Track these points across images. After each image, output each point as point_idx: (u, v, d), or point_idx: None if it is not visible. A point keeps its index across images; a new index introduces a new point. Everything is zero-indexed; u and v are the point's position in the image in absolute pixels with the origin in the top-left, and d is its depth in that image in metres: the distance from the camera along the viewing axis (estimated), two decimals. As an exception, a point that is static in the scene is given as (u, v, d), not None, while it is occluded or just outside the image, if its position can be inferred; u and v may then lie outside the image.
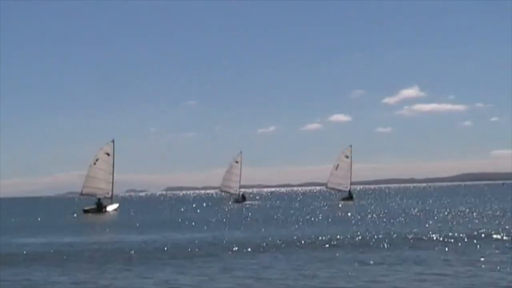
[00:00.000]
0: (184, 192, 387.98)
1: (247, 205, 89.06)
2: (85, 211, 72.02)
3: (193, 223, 49.17)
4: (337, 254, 25.96)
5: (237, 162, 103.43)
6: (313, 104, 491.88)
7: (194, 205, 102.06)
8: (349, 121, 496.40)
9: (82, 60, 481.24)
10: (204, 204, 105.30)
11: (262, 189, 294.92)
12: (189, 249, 29.14)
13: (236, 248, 28.84)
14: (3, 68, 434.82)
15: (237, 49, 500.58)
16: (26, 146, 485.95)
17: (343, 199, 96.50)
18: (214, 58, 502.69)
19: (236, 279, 20.61)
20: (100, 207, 72.46)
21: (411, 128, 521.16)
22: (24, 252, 29.72)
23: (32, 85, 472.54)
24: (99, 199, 73.40)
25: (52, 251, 30.07)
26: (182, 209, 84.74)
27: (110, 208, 74.89)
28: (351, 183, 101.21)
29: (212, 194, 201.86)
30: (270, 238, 32.95)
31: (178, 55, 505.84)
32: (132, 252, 28.60)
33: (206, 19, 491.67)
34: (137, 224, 49.41)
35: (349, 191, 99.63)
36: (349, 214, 56.61)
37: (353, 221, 45.98)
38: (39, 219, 67.51)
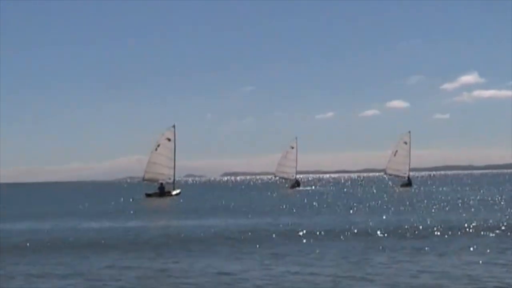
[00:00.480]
0: (240, 177, 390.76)
1: (304, 191, 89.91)
2: (148, 195, 73.76)
3: (249, 208, 49.87)
4: (391, 242, 25.95)
5: (292, 147, 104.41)
6: (370, 90, 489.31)
7: (250, 190, 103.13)
8: (407, 107, 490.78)
9: (146, 49, 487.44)
10: (260, 190, 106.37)
11: (319, 175, 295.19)
12: (242, 234, 29.69)
13: (289, 234, 29.15)
14: (69, 55, 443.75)
15: (294, 35, 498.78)
16: (86, 131, 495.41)
17: (402, 185, 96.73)
18: (272, 45, 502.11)
19: (286, 266, 20.92)
20: (162, 192, 74.11)
21: (470, 114, 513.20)
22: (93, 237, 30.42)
23: (96, 72, 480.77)
24: (161, 184, 75.10)
25: (120, 235, 30.92)
26: (239, 194, 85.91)
27: (173, 192, 76.49)
28: (410, 170, 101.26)
29: (268, 180, 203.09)
30: (323, 225, 33.07)
31: (236, 41, 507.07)
32: (192, 236, 29.24)
33: (264, 6, 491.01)
34: (197, 209, 50.53)
35: (408, 177, 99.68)
36: (407, 201, 56.43)
37: (410, 208, 45.97)
38: (112, 203, 69.83)
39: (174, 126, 78.91)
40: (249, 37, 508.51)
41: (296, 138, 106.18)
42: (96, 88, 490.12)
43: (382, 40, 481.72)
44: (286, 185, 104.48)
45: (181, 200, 67.89)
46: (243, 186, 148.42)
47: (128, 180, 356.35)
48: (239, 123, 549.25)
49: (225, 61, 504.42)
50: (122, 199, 75.94)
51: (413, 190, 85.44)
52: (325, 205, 52.92)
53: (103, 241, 28.63)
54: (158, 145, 77.21)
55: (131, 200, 71.39)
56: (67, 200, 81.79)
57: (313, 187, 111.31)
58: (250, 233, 30.22)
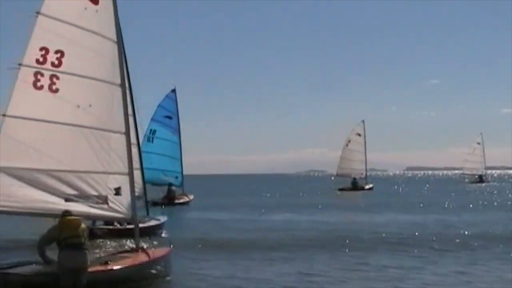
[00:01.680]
0: (423, 172, 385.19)
1: (489, 187, 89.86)
2: (340, 190, 77.43)
3: (432, 205, 50.25)
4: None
5: (478, 143, 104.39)
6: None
7: (435, 185, 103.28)
8: None
9: (348, 49, 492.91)
10: (444, 185, 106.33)
11: (507, 171, 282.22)
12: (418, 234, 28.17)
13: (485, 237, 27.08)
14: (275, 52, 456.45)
15: (481, 32, 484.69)
16: (266, 124, 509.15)
17: None
18: (456, 38, 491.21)
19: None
20: (355, 186, 77.51)
21: None
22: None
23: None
24: (354, 178, 78.59)
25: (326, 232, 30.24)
26: (425, 190, 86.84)
27: (366, 187, 79.64)
28: None
29: (452, 175, 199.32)
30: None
31: (420, 36, 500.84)
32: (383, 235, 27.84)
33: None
34: (386, 204, 51.31)
35: None
36: None
37: None
38: (302, 194, 73.80)
39: (363, 121, 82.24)
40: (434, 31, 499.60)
41: (481, 133, 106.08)
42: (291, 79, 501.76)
43: None
44: (466, 180, 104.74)
45: (373, 195, 69.77)
46: (426, 181, 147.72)
47: (311, 174, 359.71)
48: (423, 116, 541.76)
49: (410, 54, 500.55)
50: (317, 192, 79.15)
51: None
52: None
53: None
54: (349, 141, 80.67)
55: (327, 192, 74.14)
56: (256, 192, 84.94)
57: (498, 183, 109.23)
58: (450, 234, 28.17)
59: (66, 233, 14.18)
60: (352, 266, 19.49)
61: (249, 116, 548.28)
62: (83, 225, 14.54)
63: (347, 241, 25.21)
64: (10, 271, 14.04)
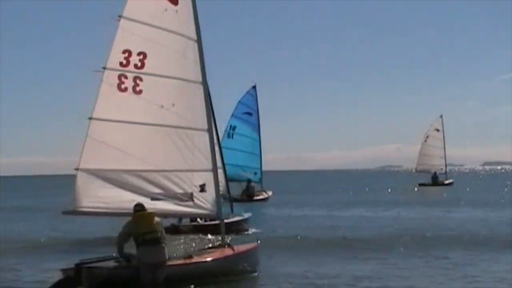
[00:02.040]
0: (502, 167, 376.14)
1: None
2: (421, 185, 76.50)
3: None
4: None
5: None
6: None
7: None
8: None
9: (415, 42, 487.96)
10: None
11: None
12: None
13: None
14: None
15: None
16: (342, 121, 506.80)
17: None
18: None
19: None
20: (436, 182, 76.53)
21: None
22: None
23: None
24: (435, 173, 77.73)
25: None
26: (505, 185, 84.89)
27: (446, 182, 78.52)
28: None
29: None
30: None
31: (493, 30, 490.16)
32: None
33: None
34: (468, 200, 50.00)
35: None
36: None
37: None
38: (383, 190, 73.08)
39: (441, 116, 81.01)
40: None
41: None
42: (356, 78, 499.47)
43: None
44: None
45: (454, 190, 68.48)
46: (507, 176, 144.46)
47: (387, 169, 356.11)
48: (499, 111, 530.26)
49: (485, 48, 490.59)
50: (397, 188, 78.29)
51: None
52: None
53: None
54: (427, 136, 79.66)
55: (407, 189, 73.31)
56: (335, 188, 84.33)
57: None
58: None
59: (143, 229, 14.47)
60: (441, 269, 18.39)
61: (325, 113, 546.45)
62: (157, 219, 14.81)
63: (438, 240, 24.62)
64: (95, 265, 14.41)
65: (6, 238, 26.22)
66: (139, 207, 14.96)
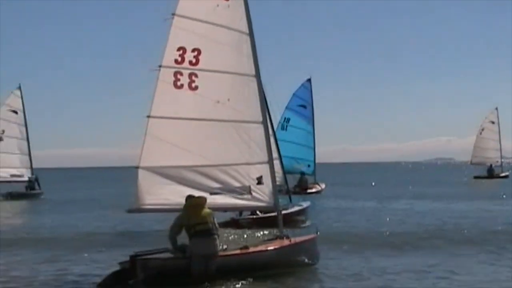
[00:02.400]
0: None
1: None
2: (476, 178, 75.74)
3: None
4: None
5: None
6: None
7: None
8: None
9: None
10: None
11: None
12: None
13: None
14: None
15: None
16: (397, 110, 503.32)
17: None
18: None
19: None
20: (491, 174, 75.78)
21: None
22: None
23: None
24: (491, 165, 76.96)
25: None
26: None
27: (502, 174, 77.61)
28: None
29: None
30: None
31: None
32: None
33: None
34: None
35: None
36: None
37: None
38: (437, 182, 71.90)
39: (496, 109, 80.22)
40: None
41: None
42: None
43: None
44: None
45: (509, 183, 66.67)
46: None
47: (439, 162, 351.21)
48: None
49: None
50: (452, 180, 77.40)
51: None
52: None
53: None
54: (483, 129, 78.96)
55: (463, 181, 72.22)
56: (389, 181, 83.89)
57: None
58: None
59: (194, 220, 14.75)
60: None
61: (376, 106, 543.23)
62: (208, 210, 15.04)
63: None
64: (149, 257, 14.72)
65: (63, 230, 26.92)
66: (189, 198, 15.29)
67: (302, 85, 51.61)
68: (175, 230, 15.02)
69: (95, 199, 50.18)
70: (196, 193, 15.77)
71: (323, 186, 52.00)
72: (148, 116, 16.05)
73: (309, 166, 50.73)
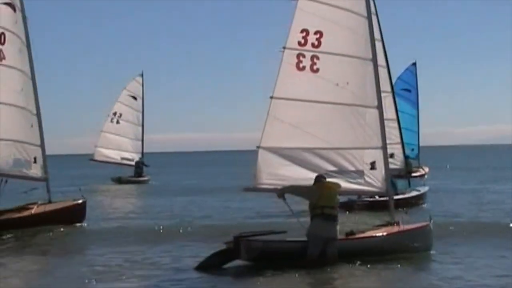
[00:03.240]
0: None
1: None
2: None
3: None
4: None
5: None
6: None
7: None
8: None
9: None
10: None
11: None
12: None
13: None
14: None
15: None
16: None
17: None
18: None
19: None
20: None
21: None
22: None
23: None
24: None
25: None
26: None
27: None
28: None
29: None
30: None
31: None
32: None
33: None
34: None
35: None
36: None
37: None
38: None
39: None
40: None
41: None
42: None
43: None
44: None
45: None
46: None
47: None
48: None
49: None
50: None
51: None
52: None
53: None
54: None
55: None
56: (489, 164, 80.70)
57: None
58: None
59: (324, 202, 14.96)
60: None
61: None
62: (338, 196, 15.25)
63: None
64: (253, 238, 15.07)
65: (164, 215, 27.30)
66: (323, 177, 15.57)
67: (407, 69, 51.19)
68: (311, 208, 15.21)
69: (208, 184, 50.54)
70: (312, 175, 15.96)
71: (426, 169, 51.47)
72: (271, 97, 16.33)
73: (413, 150, 50.26)
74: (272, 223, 20.81)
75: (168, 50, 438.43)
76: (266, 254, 14.69)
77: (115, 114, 52.80)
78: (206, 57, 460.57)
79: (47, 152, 24.19)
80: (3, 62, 23.04)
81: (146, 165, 53.29)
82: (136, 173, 52.44)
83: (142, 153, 53.81)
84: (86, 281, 14.20)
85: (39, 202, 23.13)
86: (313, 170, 16.29)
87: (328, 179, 16.01)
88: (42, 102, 24.02)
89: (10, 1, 23.41)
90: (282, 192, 15.61)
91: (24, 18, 23.75)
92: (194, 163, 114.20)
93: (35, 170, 23.63)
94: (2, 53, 23.01)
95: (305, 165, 16.42)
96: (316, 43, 16.40)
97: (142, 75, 55.03)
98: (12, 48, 23.27)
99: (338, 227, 15.13)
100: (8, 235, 20.89)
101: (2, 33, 23.03)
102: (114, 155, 52.51)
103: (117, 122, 52.68)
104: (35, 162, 23.58)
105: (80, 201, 23.84)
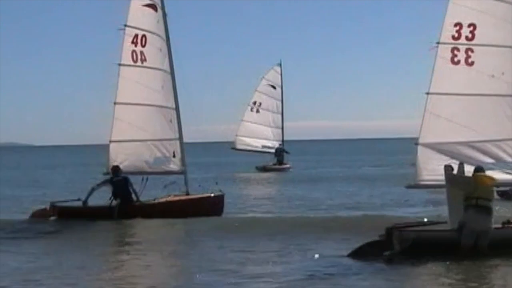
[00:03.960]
0: None
1: None
2: None
3: None
4: None
5: None
6: None
7: None
8: None
9: None
10: None
11: None
12: None
13: None
14: None
15: None
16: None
17: None
18: None
19: None
20: None
21: None
22: None
23: None
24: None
25: None
26: None
27: None
28: None
29: None
30: None
31: None
32: None
33: None
34: None
35: None
36: None
37: None
38: None
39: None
40: None
41: None
42: None
43: None
44: None
45: None
46: None
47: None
48: None
49: None
50: None
51: None
52: None
53: None
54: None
55: None
56: None
57: None
58: None
59: (479, 193, 14.86)
60: None
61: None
62: (494, 188, 15.13)
63: None
64: (406, 229, 15.20)
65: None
66: (480, 169, 15.52)
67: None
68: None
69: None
70: (471, 169, 15.87)
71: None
72: (427, 93, 16.37)
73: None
74: (429, 215, 20.56)
75: (306, 38, 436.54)
76: (418, 245, 14.74)
77: (254, 103, 53.90)
78: (342, 44, 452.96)
79: (185, 140, 24.78)
80: (145, 64, 23.89)
81: (287, 152, 53.99)
82: (278, 160, 53.20)
83: (283, 141, 54.57)
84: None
85: (176, 194, 23.67)
86: (471, 164, 16.18)
87: (486, 172, 15.89)
88: (181, 95, 24.74)
89: (151, 2, 24.10)
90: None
91: (164, 15, 24.42)
92: (328, 152, 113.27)
93: (174, 165, 24.38)
94: (144, 55, 23.83)
95: (463, 159, 16.32)
96: (470, 36, 16.27)
97: (280, 64, 55.78)
98: (153, 49, 24.04)
99: (492, 219, 14.98)
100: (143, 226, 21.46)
101: (144, 35, 23.82)
102: (255, 143, 53.55)
103: (257, 111, 53.69)
104: (174, 156, 24.30)
105: (218, 194, 24.08)
